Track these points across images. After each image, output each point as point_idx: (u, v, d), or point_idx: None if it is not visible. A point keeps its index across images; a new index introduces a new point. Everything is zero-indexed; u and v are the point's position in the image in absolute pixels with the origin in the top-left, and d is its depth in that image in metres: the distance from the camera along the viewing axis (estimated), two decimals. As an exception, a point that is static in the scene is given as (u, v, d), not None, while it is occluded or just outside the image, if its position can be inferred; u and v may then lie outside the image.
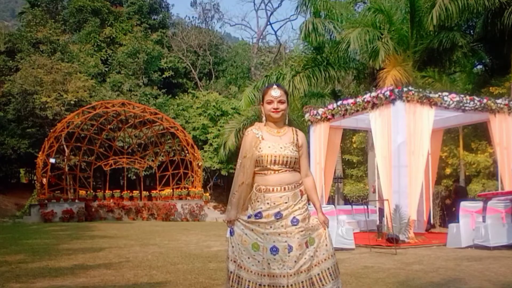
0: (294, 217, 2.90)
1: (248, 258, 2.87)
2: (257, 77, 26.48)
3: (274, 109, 2.99)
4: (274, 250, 2.81)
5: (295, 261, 2.81)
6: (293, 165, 2.98)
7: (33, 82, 20.22)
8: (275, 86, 3.05)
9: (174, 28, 32.41)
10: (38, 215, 16.93)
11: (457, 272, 5.57)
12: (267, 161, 2.92)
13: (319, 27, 14.24)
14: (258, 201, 2.94)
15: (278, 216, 2.88)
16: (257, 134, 3.00)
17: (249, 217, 2.95)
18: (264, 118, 3.08)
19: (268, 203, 2.91)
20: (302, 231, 2.88)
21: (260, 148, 2.95)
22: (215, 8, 34.91)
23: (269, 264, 2.82)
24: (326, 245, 2.96)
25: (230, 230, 2.96)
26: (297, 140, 3.05)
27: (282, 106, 3.00)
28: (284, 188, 2.93)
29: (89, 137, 19.93)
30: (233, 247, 2.94)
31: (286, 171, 2.95)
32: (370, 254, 7.57)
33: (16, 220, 17.39)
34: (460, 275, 5.35)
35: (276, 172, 2.93)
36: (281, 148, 2.96)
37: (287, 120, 3.13)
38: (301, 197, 3.00)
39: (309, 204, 3.07)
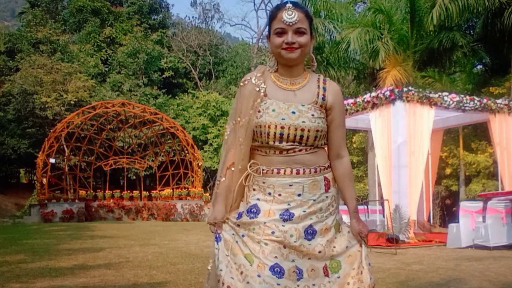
0: (310, 226, 1.79)
1: (241, 273, 1.75)
2: (257, 77, 26.46)
3: (286, 44, 1.79)
4: (277, 271, 1.72)
5: None
6: (315, 141, 1.82)
7: (33, 82, 20.24)
8: (289, 5, 1.80)
9: (174, 28, 32.42)
10: (38, 215, 16.92)
11: (457, 272, 5.56)
12: (268, 134, 1.79)
13: (319, 27, 14.26)
14: (253, 189, 1.85)
15: (286, 216, 1.78)
16: (258, 86, 1.84)
17: (239, 216, 1.85)
18: (272, 62, 1.89)
19: (269, 193, 1.80)
20: (320, 251, 1.79)
21: (259, 111, 1.81)
22: (215, 8, 34.94)
23: None
24: (362, 272, 1.82)
25: (216, 237, 1.88)
26: (323, 97, 1.86)
27: (302, 40, 1.80)
28: (298, 172, 1.80)
29: (89, 137, 19.93)
30: (220, 258, 1.83)
31: (301, 150, 1.80)
32: (370, 254, 7.54)
33: (16, 220, 17.39)
34: (460, 275, 5.34)
35: (284, 152, 1.80)
36: (293, 113, 1.79)
37: (313, 61, 1.91)
38: (326, 191, 1.85)
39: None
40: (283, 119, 1.78)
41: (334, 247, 1.83)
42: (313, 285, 1.77)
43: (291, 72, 1.86)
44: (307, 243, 1.78)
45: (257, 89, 1.83)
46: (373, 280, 1.85)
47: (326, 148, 1.93)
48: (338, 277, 1.80)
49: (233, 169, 1.88)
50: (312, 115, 1.80)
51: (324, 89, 1.87)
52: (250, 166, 1.85)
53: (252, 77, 1.87)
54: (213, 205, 1.94)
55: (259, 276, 1.72)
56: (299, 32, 1.79)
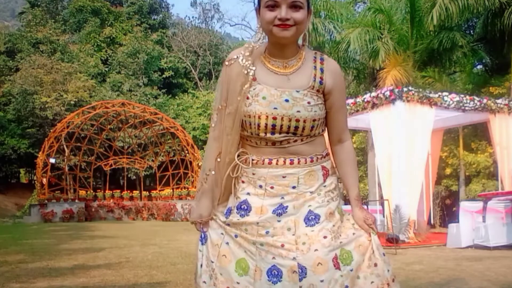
0: (310, 212, 1.57)
1: None
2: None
3: (280, 20, 1.50)
4: (275, 274, 1.52)
5: None
6: (311, 131, 1.60)
7: (33, 82, 20.28)
8: None
9: (174, 28, 32.46)
10: (38, 215, 16.93)
11: (457, 272, 5.56)
12: (259, 126, 1.57)
13: (319, 27, 14.29)
14: (242, 181, 1.64)
15: (280, 210, 1.57)
16: (246, 68, 1.58)
17: (228, 213, 1.65)
18: (258, 37, 1.61)
19: (260, 186, 1.59)
20: (325, 237, 1.55)
21: (248, 98, 1.57)
22: (215, 8, 35.00)
23: None
24: (376, 264, 1.62)
25: (202, 237, 1.70)
26: (321, 80, 1.60)
27: (298, 16, 1.52)
28: (291, 162, 1.59)
29: (89, 137, 19.94)
30: (204, 266, 1.65)
31: (296, 141, 1.59)
32: (370, 254, 7.55)
33: (16, 220, 17.41)
34: (460, 275, 5.34)
35: (277, 143, 1.59)
36: (286, 101, 1.55)
37: (305, 39, 1.65)
38: (324, 181, 1.64)
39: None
40: (275, 108, 1.55)
41: (340, 235, 1.59)
42: (321, 281, 1.50)
43: (284, 52, 1.59)
44: (309, 230, 1.55)
45: (245, 71, 1.57)
46: (391, 271, 1.64)
47: (324, 133, 1.72)
48: (351, 270, 1.56)
49: (219, 160, 1.66)
50: (308, 102, 1.57)
51: (322, 70, 1.61)
52: (238, 156, 1.63)
53: (239, 56, 1.60)
54: (198, 200, 1.71)
55: None
56: (294, 6, 1.51)
